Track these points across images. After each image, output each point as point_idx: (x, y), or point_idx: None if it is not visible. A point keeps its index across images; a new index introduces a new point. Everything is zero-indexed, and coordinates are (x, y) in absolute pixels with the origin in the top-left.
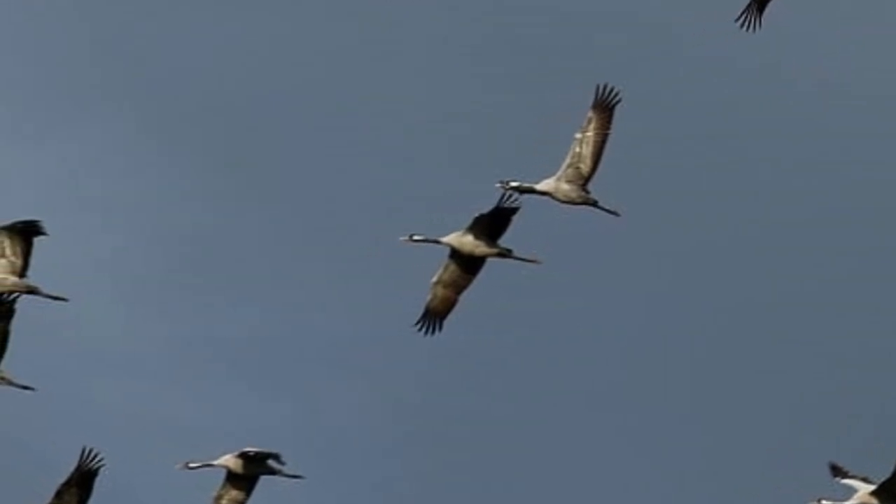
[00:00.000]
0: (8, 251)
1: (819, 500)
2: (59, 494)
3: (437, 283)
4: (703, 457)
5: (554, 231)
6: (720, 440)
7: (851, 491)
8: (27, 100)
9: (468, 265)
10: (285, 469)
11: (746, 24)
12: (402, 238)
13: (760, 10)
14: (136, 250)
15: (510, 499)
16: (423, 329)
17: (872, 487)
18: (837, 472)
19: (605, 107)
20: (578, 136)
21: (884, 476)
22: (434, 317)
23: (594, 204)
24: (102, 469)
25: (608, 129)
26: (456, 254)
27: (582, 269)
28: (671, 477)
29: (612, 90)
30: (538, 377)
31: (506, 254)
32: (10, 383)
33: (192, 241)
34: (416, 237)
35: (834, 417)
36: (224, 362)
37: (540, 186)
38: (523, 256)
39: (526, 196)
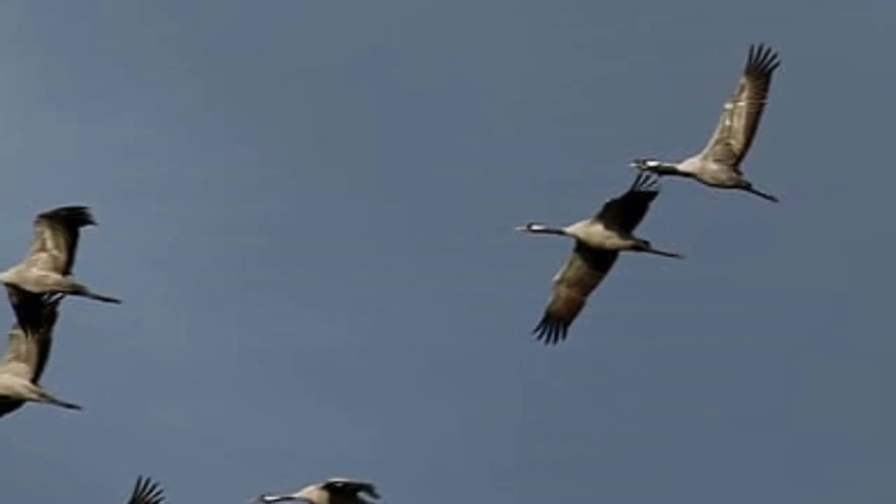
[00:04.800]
0: (49, 244)
1: None
2: None
3: (560, 281)
4: (883, 490)
5: (699, 220)
6: None
7: None
8: (73, 65)
9: (597, 260)
10: (378, 503)
11: None
12: (519, 228)
13: None
14: (202, 243)
15: None
16: (544, 336)
17: None
18: None
19: (760, 72)
20: (729, 106)
21: None
22: (557, 322)
23: (747, 187)
24: (161, 502)
25: (764, 98)
26: (583, 247)
27: (732, 266)
28: None
29: (768, 52)
30: (679, 393)
31: (642, 247)
32: (53, 401)
33: (269, 234)
34: (535, 227)
35: None
36: (307, 377)
37: (683, 167)
38: (663, 250)
39: (666, 178)
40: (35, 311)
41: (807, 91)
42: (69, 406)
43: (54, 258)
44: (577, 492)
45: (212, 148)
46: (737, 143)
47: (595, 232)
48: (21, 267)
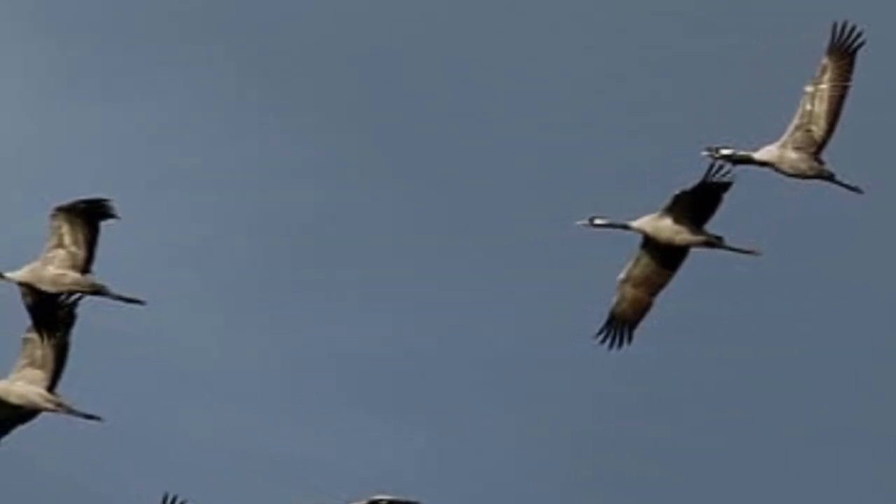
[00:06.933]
0: (67, 239)
1: None
2: None
3: (625, 280)
4: None
5: (777, 213)
6: None
7: None
8: (93, 45)
9: (666, 257)
10: None
11: None
12: (579, 222)
13: None
14: (234, 239)
15: None
16: (608, 340)
17: None
18: None
19: (843, 52)
20: (810, 89)
21: None
22: (622, 324)
23: (830, 178)
24: None
25: (848, 80)
26: (650, 243)
27: (813, 263)
28: None
29: (852, 30)
30: (754, 402)
31: (715, 242)
32: (71, 412)
33: (307, 229)
34: (598, 221)
35: None
36: (348, 385)
37: (759, 155)
38: (737, 246)
39: (741, 168)
40: (51, 313)
41: (895, 72)
42: (88, 417)
43: (72, 255)
44: None
45: (244, 135)
46: (818, 130)
47: (664, 226)
48: (36, 265)
